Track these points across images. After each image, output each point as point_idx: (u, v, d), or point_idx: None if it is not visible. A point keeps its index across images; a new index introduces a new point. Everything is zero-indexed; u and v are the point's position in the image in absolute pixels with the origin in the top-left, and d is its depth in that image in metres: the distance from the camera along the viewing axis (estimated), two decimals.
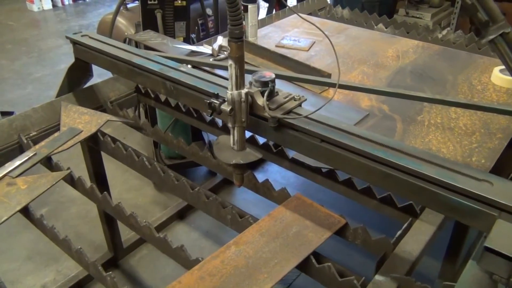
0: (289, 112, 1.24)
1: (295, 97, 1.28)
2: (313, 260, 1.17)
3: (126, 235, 2.60)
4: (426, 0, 4.05)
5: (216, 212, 1.40)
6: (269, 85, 1.23)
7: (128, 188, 3.09)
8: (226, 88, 1.20)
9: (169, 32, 2.76)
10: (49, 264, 2.52)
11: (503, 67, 1.99)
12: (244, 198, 3.02)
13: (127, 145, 1.70)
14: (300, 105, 1.27)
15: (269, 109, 1.22)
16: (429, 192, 1.01)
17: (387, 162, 1.06)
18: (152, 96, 2.07)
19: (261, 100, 1.21)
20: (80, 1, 7.37)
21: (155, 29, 2.63)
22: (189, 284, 1.08)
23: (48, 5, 6.99)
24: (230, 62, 1.12)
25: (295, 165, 1.58)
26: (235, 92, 1.16)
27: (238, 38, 1.09)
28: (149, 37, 2.31)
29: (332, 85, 1.62)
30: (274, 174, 3.23)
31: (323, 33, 1.17)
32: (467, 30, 3.91)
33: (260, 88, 1.23)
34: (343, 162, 1.15)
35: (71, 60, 1.95)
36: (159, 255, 2.57)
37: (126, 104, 2.08)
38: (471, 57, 2.22)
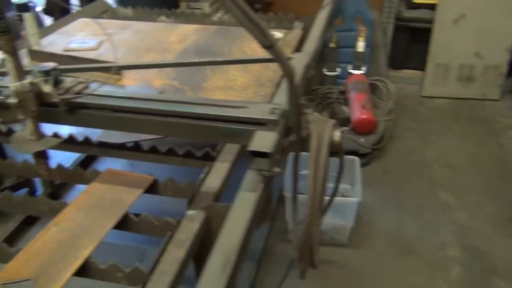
0: (78, 94, 1.34)
1: (81, 80, 1.39)
2: (132, 216, 1.30)
3: None
4: None
5: (34, 208, 1.42)
6: (52, 73, 1.32)
7: None
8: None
9: None
10: None
11: None
12: None
13: None
14: (87, 86, 1.38)
15: (58, 94, 1.30)
16: (213, 128, 1.24)
17: (179, 113, 1.25)
18: None
19: (47, 88, 1.29)
20: None
21: None
22: (15, 269, 1.12)
23: None
24: (5, 55, 1.18)
25: (103, 148, 1.68)
26: (18, 83, 1.22)
27: (4, 32, 1.15)
28: None
29: (114, 68, 1.76)
30: None
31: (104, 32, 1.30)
32: None
33: (43, 78, 1.30)
34: (141, 126, 1.31)
35: None
36: None
37: None
38: (241, 30, 2.58)
